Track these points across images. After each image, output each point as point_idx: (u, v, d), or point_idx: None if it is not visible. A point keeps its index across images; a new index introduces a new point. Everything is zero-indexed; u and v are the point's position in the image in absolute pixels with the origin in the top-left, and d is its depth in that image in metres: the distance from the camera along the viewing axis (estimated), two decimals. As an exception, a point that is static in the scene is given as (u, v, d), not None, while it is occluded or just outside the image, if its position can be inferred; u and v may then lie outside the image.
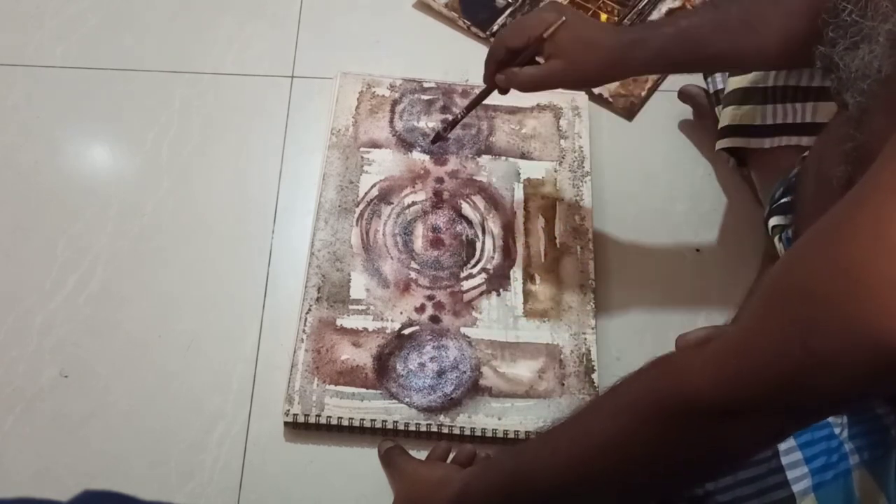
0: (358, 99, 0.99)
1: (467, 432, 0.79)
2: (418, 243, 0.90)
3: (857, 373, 0.38)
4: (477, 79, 1.02)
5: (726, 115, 0.89)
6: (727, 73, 0.90)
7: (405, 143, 0.96)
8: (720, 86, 0.92)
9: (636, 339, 0.87)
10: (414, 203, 0.92)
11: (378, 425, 0.79)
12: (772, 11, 0.70)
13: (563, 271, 0.89)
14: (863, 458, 0.58)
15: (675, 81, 1.04)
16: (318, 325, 0.83)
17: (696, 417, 0.45)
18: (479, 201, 0.93)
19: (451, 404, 0.80)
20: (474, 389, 0.81)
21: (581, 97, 1.02)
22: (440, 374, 0.82)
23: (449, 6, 1.10)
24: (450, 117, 0.98)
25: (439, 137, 0.92)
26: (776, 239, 0.78)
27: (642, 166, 0.99)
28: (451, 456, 0.77)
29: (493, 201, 0.93)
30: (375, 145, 0.96)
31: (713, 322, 0.86)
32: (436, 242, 0.90)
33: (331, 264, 0.87)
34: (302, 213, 0.93)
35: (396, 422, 0.79)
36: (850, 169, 0.57)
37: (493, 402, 0.81)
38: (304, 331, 0.83)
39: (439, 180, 0.94)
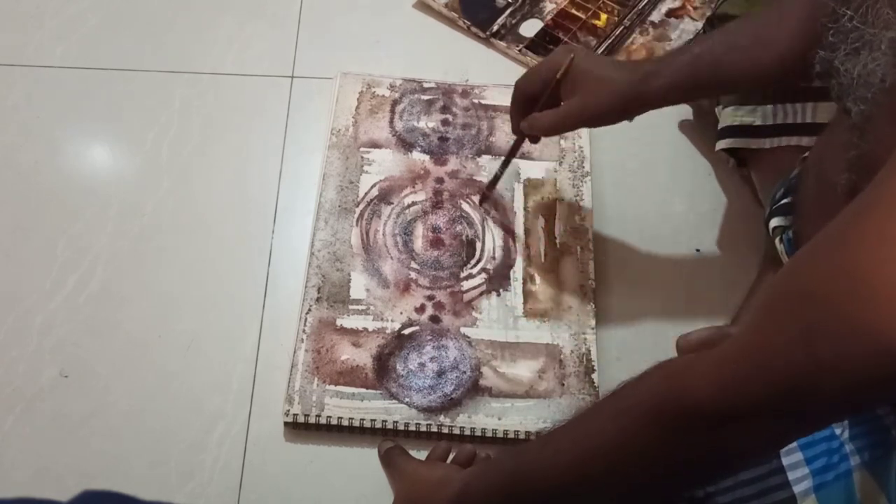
0: (358, 99, 0.99)
1: (467, 432, 0.79)
2: (418, 243, 0.90)
3: (862, 378, 0.38)
4: (477, 78, 1.03)
5: (726, 116, 0.89)
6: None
7: (405, 143, 0.97)
8: (720, 86, 0.92)
9: (636, 339, 0.87)
10: (414, 203, 0.92)
11: (378, 425, 0.79)
12: (777, 26, 0.70)
13: (563, 271, 0.89)
14: (864, 458, 0.58)
15: (675, 81, 1.04)
16: (318, 325, 0.83)
17: (698, 422, 0.45)
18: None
19: (451, 404, 0.80)
20: (474, 389, 0.81)
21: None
22: (440, 374, 0.82)
23: (449, 6, 1.10)
24: (449, 117, 0.98)
25: (485, 198, 0.92)
26: (777, 240, 0.78)
27: (642, 166, 0.99)
28: (451, 456, 0.77)
29: (493, 201, 0.93)
30: (375, 145, 0.96)
31: (713, 322, 0.85)
32: (436, 242, 0.90)
33: (331, 264, 0.87)
34: (302, 213, 0.93)
35: (396, 422, 0.79)
36: (854, 177, 0.57)
37: (493, 402, 0.81)
38: (304, 331, 0.83)
39: (439, 180, 0.94)
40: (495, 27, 1.09)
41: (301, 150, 0.98)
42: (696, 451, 0.46)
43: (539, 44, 1.08)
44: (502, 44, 1.08)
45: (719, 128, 0.90)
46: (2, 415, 0.80)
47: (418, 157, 0.96)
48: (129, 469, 0.78)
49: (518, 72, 1.05)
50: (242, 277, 0.89)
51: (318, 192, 0.92)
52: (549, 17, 1.11)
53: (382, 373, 0.81)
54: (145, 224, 0.92)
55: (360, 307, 0.85)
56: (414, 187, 0.93)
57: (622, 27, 1.10)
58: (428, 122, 0.98)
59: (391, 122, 0.98)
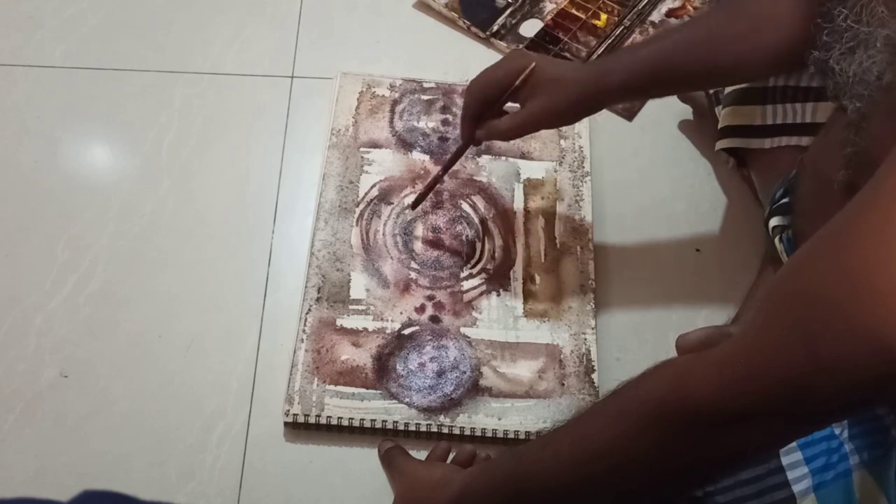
0: (358, 99, 0.99)
1: (467, 432, 0.79)
2: (418, 243, 0.90)
3: (862, 378, 0.38)
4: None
5: (726, 116, 0.89)
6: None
7: (405, 144, 0.97)
8: (720, 86, 0.92)
9: (636, 339, 0.87)
10: (414, 203, 0.92)
11: (378, 425, 0.79)
12: (768, 23, 0.71)
13: (563, 271, 0.89)
14: (863, 458, 0.58)
15: (675, 81, 1.04)
16: (318, 326, 0.83)
17: (698, 424, 0.45)
18: (479, 201, 0.93)
19: (451, 404, 0.80)
20: (474, 389, 0.81)
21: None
22: (440, 374, 0.82)
23: (449, 6, 1.10)
24: (449, 117, 0.98)
25: (419, 202, 0.89)
26: (777, 240, 0.78)
27: (642, 166, 0.99)
28: (451, 456, 0.77)
29: (493, 201, 0.93)
30: (375, 145, 0.96)
31: (713, 322, 0.86)
32: (436, 242, 0.90)
33: (331, 264, 0.87)
34: (302, 213, 0.93)
35: (396, 422, 0.79)
36: (850, 174, 0.57)
37: (493, 403, 0.81)
38: (304, 331, 0.83)
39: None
40: (495, 27, 1.09)
41: (301, 150, 0.98)
42: (696, 452, 0.46)
43: (539, 44, 1.08)
44: (502, 44, 1.08)
45: (719, 127, 0.90)
46: (2, 415, 0.80)
47: (418, 157, 0.96)
48: (129, 469, 0.78)
49: (518, 72, 1.06)
50: (242, 277, 0.89)
51: (318, 192, 0.92)
52: (549, 17, 1.11)
53: (382, 373, 0.81)
54: (145, 224, 0.92)
55: (360, 307, 0.85)
56: (414, 187, 0.93)
57: (622, 27, 1.10)
58: (428, 122, 0.98)
59: (391, 122, 0.98)
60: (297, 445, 0.80)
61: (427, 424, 0.79)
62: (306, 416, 0.78)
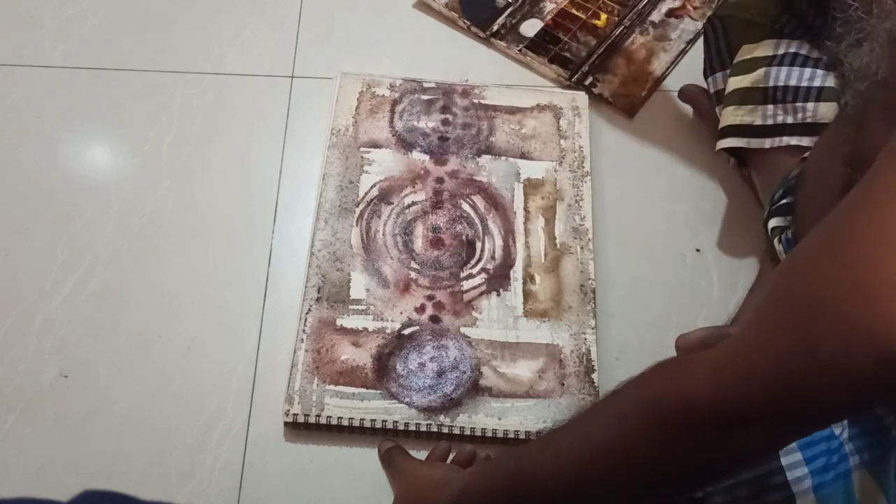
0: (358, 99, 0.99)
1: (467, 432, 0.79)
2: (418, 243, 0.90)
3: (861, 377, 0.38)
4: (477, 78, 1.03)
5: (726, 115, 0.88)
6: (727, 72, 0.90)
7: (405, 143, 0.96)
8: (720, 86, 0.92)
9: (636, 339, 0.87)
10: (414, 203, 0.92)
11: (378, 425, 0.79)
12: None
13: (563, 271, 0.89)
14: (863, 458, 0.58)
15: (676, 81, 1.04)
16: (318, 325, 0.83)
17: (697, 424, 0.44)
18: (479, 201, 0.93)
19: (451, 404, 0.80)
20: (474, 389, 0.81)
21: (581, 97, 1.02)
22: (440, 374, 0.82)
23: (449, 6, 1.10)
24: (449, 117, 0.98)
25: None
26: (776, 241, 0.78)
27: (642, 166, 0.99)
28: (451, 456, 0.77)
29: (493, 201, 0.93)
30: (375, 145, 0.96)
31: (713, 322, 0.86)
32: (436, 242, 0.90)
33: (331, 264, 0.87)
34: (302, 213, 0.93)
35: (396, 422, 0.79)
36: (848, 171, 0.57)
37: (493, 402, 0.81)
38: (304, 331, 0.83)
39: (439, 180, 0.94)
40: (495, 27, 1.09)
41: (301, 150, 0.98)
42: (695, 453, 0.46)
43: (539, 44, 1.08)
44: (502, 44, 1.08)
45: (720, 127, 0.90)
46: (2, 415, 0.80)
47: (418, 156, 0.96)
48: (129, 469, 0.78)
49: (518, 71, 1.06)
50: (242, 277, 0.89)
51: (318, 192, 0.92)
52: (549, 17, 1.11)
53: (382, 373, 0.81)
54: (145, 224, 0.92)
55: (360, 307, 0.85)
56: (414, 187, 0.93)
57: (622, 27, 1.10)
58: (428, 122, 0.98)
59: (391, 121, 0.98)
60: (297, 445, 0.80)
61: (427, 424, 0.79)
62: (306, 416, 0.78)
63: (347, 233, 0.89)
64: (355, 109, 0.99)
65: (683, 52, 1.09)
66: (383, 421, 0.79)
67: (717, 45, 0.92)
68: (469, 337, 0.84)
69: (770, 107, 0.85)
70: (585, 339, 0.84)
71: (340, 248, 0.88)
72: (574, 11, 1.11)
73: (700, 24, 1.08)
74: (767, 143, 0.85)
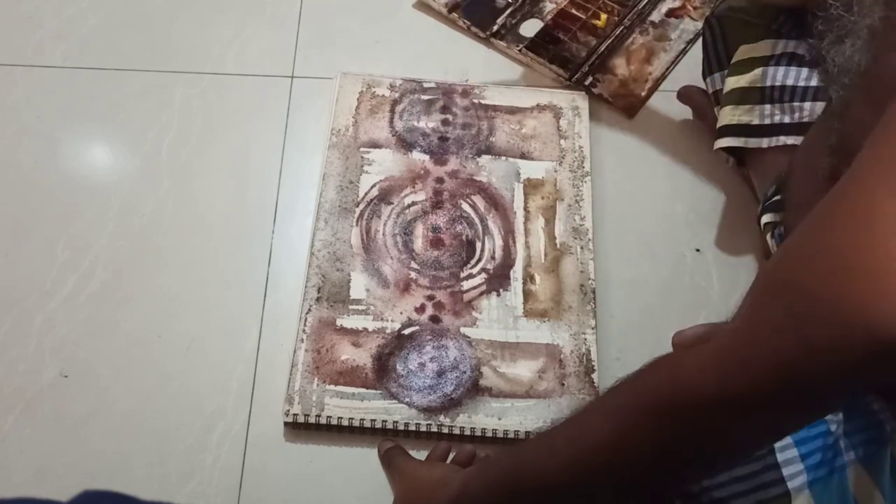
0: (358, 99, 0.99)
1: (467, 432, 0.79)
2: (418, 243, 0.90)
3: (853, 359, 0.38)
4: (477, 78, 1.03)
5: (724, 115, 0.89)
6: (725, 73, 0.90)
7: (405, 143, 0.97)
8: (719, 86, 0.92)
9: (636, 339, 0.87)
10: (414, 203, 0.92)
11: (378, 425, 0.79)
12: None
13: (563, 271, 0.89)
14: (858, 454, 0.58)
15: (676, 81, 1.04)
16: (318, 325, 0.83)
17: (693, 415, 0.45)
18: (479, 201, 0.93)
19: (451, 404, 0.80)
20: (474, 389, 0.81)
21: (581, 97, 1.02)
22: (440, 374, 0.82)
23: (449, 6, 1.10)
24: (449, 117, 0.98)
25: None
26: (768, 236, 0.78)
27: (642, 166, 0.99)
28: (451, 456, 0.77)
29: (493, 201, 0.93)
30: (375, 145, 0.96)
31: (713, 322, 0.86)
32: (436, 242, 0.90)
33: (331, 264, 0.87)
34: (302, 213, 0.93)
35: (396, 422, 0.79)
36: (834, 161, 0.58)
37: (493, 402, 0.81)
38: (304, 331, 0.83)
39: (439, 180, 0.94)
40: (495, 27, 1.09)
41: (301, 150, 0.98)
42: (693, 443, 0.46)
43: (539, 44, 1.08)
44: (502, 44, 1.08)
45: (718, 126, 0.90)
46: (2, 415, 0.80)
47: (418, 157, 0.96)
48: (129, 469, 0.78)
49: (518, 71, 1.06)
50: (242, 277, 0.89)
51: (318, 192, 0.92)
52: (549, 17, 1.11)
53: (382, 373, 0.81)
54: (145, 224, 0.92)
55: (360, 307, 0.85)
56: (414, 187, 0.93)
57: (622, 27, 1.10)
58: (428, 122, 0.98)
59: (391, 122, 0.98)
60: (297, 445, 0.80)
61: (427, 424, 0.79)
62: (306, 416, 0.78)
63: (347, 233, 0.90)
64: (355, 109, 0.99)
65: (683, 53, 1.09)
66: (383, 421, 0.79)
67: (716, 45, 0.92)
68: (469, 337, 0.84)
69: (768, 106, 0.85)
70: (585, 339, 0.84)
71: (340, 248, 0.88)
72: (574, 11, 1.11)
73: (700, 24, 1.08)
74: (765, 142, 0.85)
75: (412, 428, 0.79)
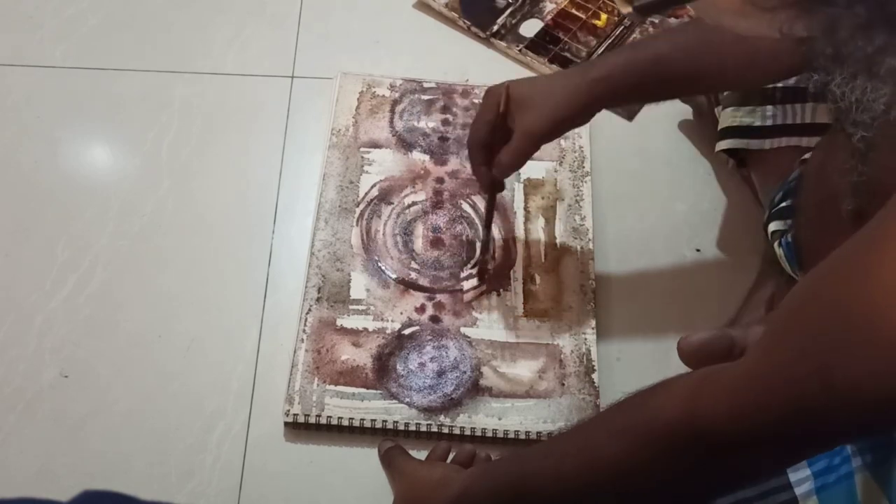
0: (358, 99, 0.99)
1: (467, 432, 0.79)
2: (418, 243, 0.90)
3: (877, 408, 0.38)
4: (477, 78, 1.03)
5: (726, 117, 0.89)
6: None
7: (405, 144, 0.96)
8: (720, 86, 0.92)
9: (636, 339, 0.87)
10: (414, 203, 0.92)
11: (378, 425, 0.79)
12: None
13: (563, 271, 0.89)
14: (865, 460, 0.58)
15: (675, 81, 1.04)
16: (318, 326, 0.83)
17: (710, 447, 0.44)
18: (480, 201, 0.93)
19: (451, 404, 0.80)
20: (474, 389, 0.81)
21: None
22: (440, 374, 0.82)
23: (449, 6, 1.10)
24: (449, 117, 0.98)
25: (484, 271, 0.86)
26: (776, 244, 0.78)
27: (642, 166, 0.99)
28: (451, 456, 0.77)
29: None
30: (375, 145, 0.96)
31: (713, 323, 0.86)
32: (436, 242, 0.90)
33: (331, 264, 0.87)
34: (302, 213, 0.93)
35: (396, 422, 0.79)
36: (859, 201, 0.57)
37: (493, 402, 0.81)
38: (304, 331, 0.83)
39: (439, 180, 0.94)
40: (495, 27, 1.09)
41: (301, 150, 0.98)
42: (704, 473, 0.46)
43: (539, 44, 1.08)
44: (502, 44, 1.08)
45: (719, 129, 0.90)
46: (2, 415, 0.80)
47: (418, 157, 0.96)
48: (129, 469, 0.78)
49: (518, 71, 1.06)
50: (242, 277, 0.89)
51: (318, 192, 0.92)
52: (549, 17, 1.11)
53: (382, 373, 0.81)
54: (145, 224, 0.92)
55: (360, 307, 0.85)
56: (414, 187, 0.93)
57: (622, 27, 1.10)
58: (428, 122, 0.98)
59: (391, 122, 0.98)
60: (297, 445, 0.80)
61: (427, 424, 0.79)
62: (306, 416, 0.78)
63: (347, 233, 0.90)
64: (355, 109, 0.99)
65: (683, 53, 1.09)
66: (383, 421, 0.79)
67: None
68: (469, 337, 0.84)
69: (769, 108, 0.85)
70: (585, 339, 0.84)
71: (340, 248, 0.88)
72: (574, 11, 1.11)
73: (700, 25, 1.08)
74: (767, 144, 0.85)
75: (412, 428, 0.79)
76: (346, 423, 0.78)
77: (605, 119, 1.02)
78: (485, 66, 1.06)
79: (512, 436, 0.79)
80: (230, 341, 0.85)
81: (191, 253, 0.90)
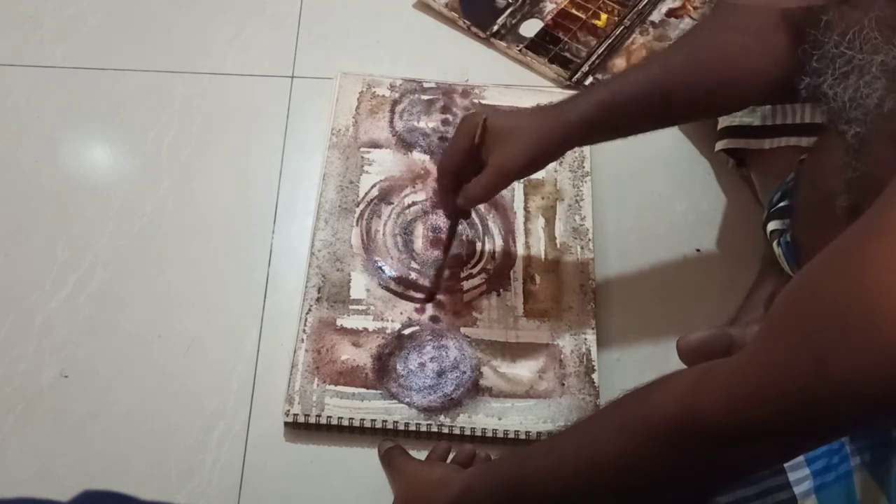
0: (358, 99, 0.99)
1: (467, 432, 0.79)
2: (418, 243, 0.90)
3: (875, 400, 0.38)
4: (477, 78, 1.03)
5: (725, 116, 0.88)
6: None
7: (405, 144, 0.96)
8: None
9: (636, 339, 0.87)
10: (414, 203, 0.92)
11: (378, 425, 0.79)
12: (757, 52, 0.70)
13: (563, 271, 0.89)
14: (864, 459, 0.58)
15: (675, 81, 1.04)
16: (318, 326, 0.83)
17: (708, 441, 0.45)
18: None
19: (451, 404, 0.80)
20: (474, 389, 0.81)
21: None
22: (440, 374, 0.82)
23: (449, 6, 1.10)
24: (449, 117, 0.98)
25: (432, 296, 0.86)
26: (775, 244, 0.78)
27: (642, 166, 0.99)
28: (451, 456, 0.77)
29: (493, 201, 0.93)
30: (375, 145, 0.96)
31: (713, 322, 0.85)
32: (436, 242, 0.90)
33: (331, 264, 0.87)
34: (302, 213, 0.93)
35: (396, 422, 0.79)
36: (853, 198, 0.57)
37: (493, 402, 0.81)
38: (304, 331, 0.83)
39: (439, 180, 0.94)
40: (495, 27, 1.09)
41: (301, 150, 0.98)
42: (703, 467, 0.46)
43: (539, 44, 1.08)
44: (502, 44, 1.08)
45: (718, 128, 0.90)
46: (2, 415, 0.80)
47: (418, 157, 0.96)
48: (129, 469, 0.78)
49: (518, 71, 1.06)
50: (242, 277, 0.89)
51: (318, 192, 0.92)
52: (549, 17, 1.11)
53: (382, 373, 0.81)
54: (145, 224, 0.92)
55: (360, 307, 0.85)
56: (414, 187, 0.93)
57: (622, 27, 1.10)
58: (428, 122, 0.98)
59: (391, 122, 0.98)
60: (297, 445, 0.80)
61: (427, 424, 0.79)
62: (306, 416, 0.78)
63: (347, 233, 0.90)
64: (355, 109, 0.99)
65: (683, 53, 1.09)
66: (383, 421, 0.79)
67: None
68: (469, 337, 0.84)
69: (769, 107, 0.85)
70: (585, 339, 0.84)
71: (340, 248, 0.88)
72: (574, 11, 1.11)
73: (700, 25, 1.08)
74: (766, 143, 0.85)
75: (412, 428, 0.79)
76: (346, 423, 0.78)
77: (605, 119, 1.02)
78: (485, 66, 1.06)
79: (512, 436, 0.79)
80: (230, 341, 0.85)
81: (191, 253, 0.90)
